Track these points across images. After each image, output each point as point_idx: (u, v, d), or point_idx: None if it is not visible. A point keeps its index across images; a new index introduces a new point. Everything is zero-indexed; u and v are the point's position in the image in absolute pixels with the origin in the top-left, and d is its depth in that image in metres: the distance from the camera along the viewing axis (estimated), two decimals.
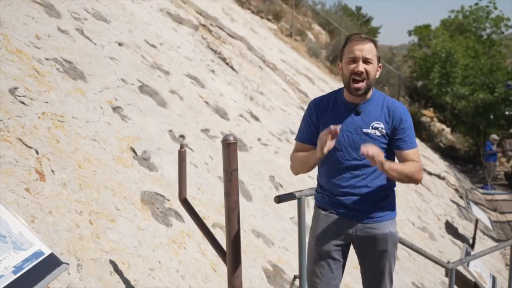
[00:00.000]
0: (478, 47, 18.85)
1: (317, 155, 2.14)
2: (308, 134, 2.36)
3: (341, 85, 2.37)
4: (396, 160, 2.32)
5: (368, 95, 2.28)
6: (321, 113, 2.32)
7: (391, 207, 2.37)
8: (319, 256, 2.37)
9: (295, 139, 2.44)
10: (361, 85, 2.19)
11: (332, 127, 2.03)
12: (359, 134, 2.23)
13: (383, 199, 2.32)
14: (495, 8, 19.87)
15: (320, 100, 2.38)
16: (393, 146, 2.27)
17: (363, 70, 2.18)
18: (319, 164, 2.37)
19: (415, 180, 2.27)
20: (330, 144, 2.06)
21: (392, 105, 2.28)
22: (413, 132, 2.30)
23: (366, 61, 2.19)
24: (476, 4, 20.29)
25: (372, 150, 2.04)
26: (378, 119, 2.25)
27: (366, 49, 2.19)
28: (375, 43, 2.25)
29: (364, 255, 2.39)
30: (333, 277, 2.37)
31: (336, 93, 2.36)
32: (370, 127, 2.24)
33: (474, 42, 19.20)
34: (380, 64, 2.30)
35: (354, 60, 2.19)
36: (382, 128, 2.24)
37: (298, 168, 2.38)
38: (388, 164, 2.11)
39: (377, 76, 2.27)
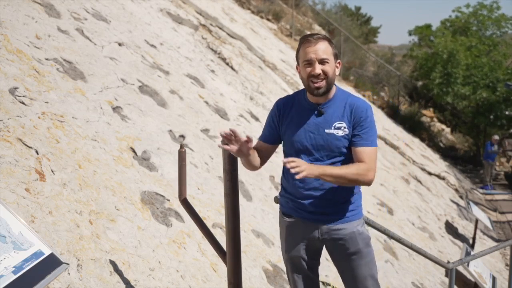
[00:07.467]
0: (481, 47, 18.84)
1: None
2: (268, 134, 2.35)
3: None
4: None
5: (330, 95, 2.23)
6: (283, 114, 2.30)
7: (357, 207, 2.32)
8: (291, 262, 2.41)
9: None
10: (321, 83, 2.15)
11: (224, 133, 2.03)
12: (322, 134, 2.18)
13: (347, 200, 2.27)
14: (499, 8, 19.87)
15: (285, 101, 2.34)
16: (350, 143, 2.19)
17: (320, 72, 2.14)
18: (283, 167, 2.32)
19: (362, 183, 2.14)
20: (232, 148, 2.08)
21: (354, 103, 2.21)
22: (374, 131, 2.20)
23: (322, 61, 2.14)
24: (480, 3, 20.29)
25: (294, 164, 1.93)
26: (340, 118, 2.19)
27: (321, 49, 2.13)
28: (329, 41, 2.19)
29: (337, 258, 2.36)
30: (310, 273, 2.42)
31: (300, 94, 2.32)
32: (333, 127, 2.19)
33: (477, 41, 19.18)
34: (339, 61, 2.23)
35: (310, 63, 2.15)
36: (344, 128, 2.18)
37: (243, 164, 2.35)
38: (318, 170, 2.03)
39: (337, 73, 2.22)
